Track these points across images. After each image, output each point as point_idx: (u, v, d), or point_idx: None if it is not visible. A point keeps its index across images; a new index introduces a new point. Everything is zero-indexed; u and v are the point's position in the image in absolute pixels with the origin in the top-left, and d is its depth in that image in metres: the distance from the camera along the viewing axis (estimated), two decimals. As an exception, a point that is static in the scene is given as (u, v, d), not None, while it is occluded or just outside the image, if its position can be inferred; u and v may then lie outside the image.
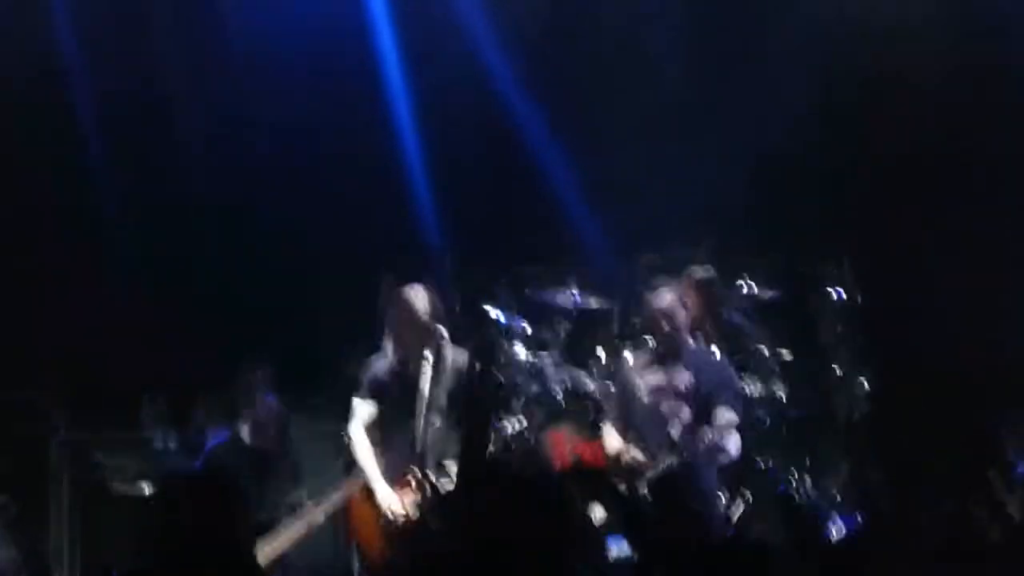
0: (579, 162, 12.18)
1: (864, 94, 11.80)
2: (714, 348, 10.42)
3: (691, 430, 9.26)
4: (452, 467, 9.07)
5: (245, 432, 9.91)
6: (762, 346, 10.66)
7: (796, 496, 10.46)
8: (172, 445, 10.75)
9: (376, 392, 9.26)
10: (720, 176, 11.63)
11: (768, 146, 11.69)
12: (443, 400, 9.12)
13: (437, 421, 9.08)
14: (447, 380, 9.14)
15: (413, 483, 9.02)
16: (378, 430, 9.28)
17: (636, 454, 9.27)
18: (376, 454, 9.22)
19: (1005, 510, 9.55)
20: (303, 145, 12.19)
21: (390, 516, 9.03)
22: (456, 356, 9.24)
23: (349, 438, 9.32)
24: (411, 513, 8.99)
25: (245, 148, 12.18)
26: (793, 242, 11.49)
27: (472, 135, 12.09)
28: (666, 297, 9.48)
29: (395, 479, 9.10)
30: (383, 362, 9.29)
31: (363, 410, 9.28)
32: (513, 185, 12.19)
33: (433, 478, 8.98)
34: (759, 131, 11.71)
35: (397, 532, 9.00)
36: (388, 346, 9.27)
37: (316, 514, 9.32)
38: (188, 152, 12.29)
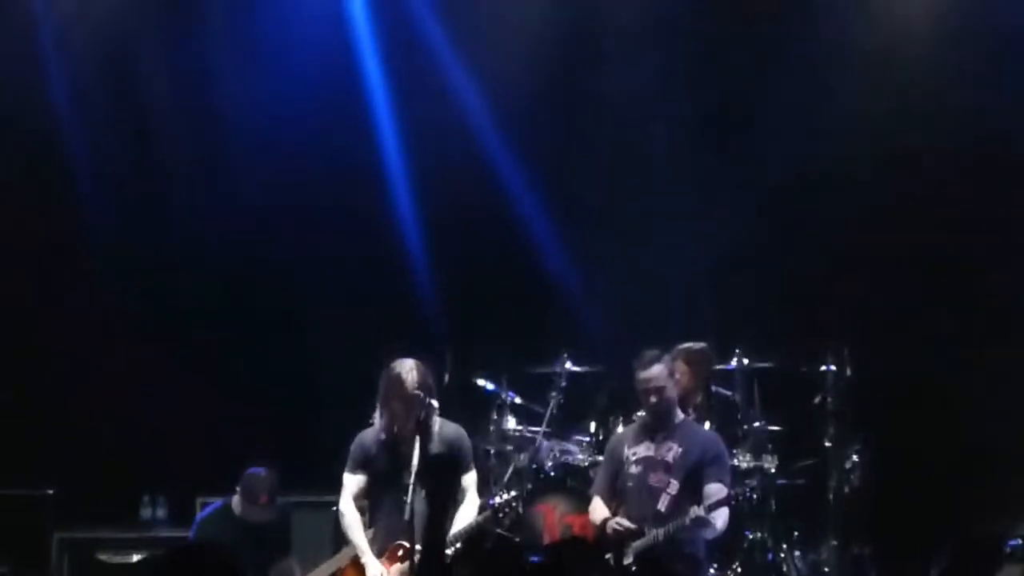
0: (574, 241, 12.25)
1: (861, 173, 11.86)
2: (706, 421, 10.48)
3: (679, 503, 9.28)
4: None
5: (236, 503, 9.93)
6: (753, 419, 10.70)
7: (785, 568, 10.46)
8: (162, 514, 10.77)
9: (365, 464, 9.28)
10: (717, 254, 11.71)
11: (765, 224, 11.76)
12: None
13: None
14: (437, 450, 9.18)
15: (401, 554, 9.04)
16: (367, 502, 9.31)
17: (625, 525, 9.29)
18: (365, 526, 9.26)
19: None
20: (299, 222, 12.26)
21: None
22: (445, 428, 9.28)
23: (339, 512, 9.35)
24: (400, 584, 9.02)
25: (239, 225, 12.22)
26: (788, 318, 11.57)
27: (470, 212, 12.12)
28: (655, 369, 9.49)
29: (384, 551, 9.12)
30: (372, 434, 9.32)
31: (352, 483, 9.30)
32: (510, 262, 12.24)
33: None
34: (755, 209, 11.77)
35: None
36: (378, 419, 9.31)
37: None
38: (184, 236, 12.33)
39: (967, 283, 11.56)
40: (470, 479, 9.33)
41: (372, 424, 9.31)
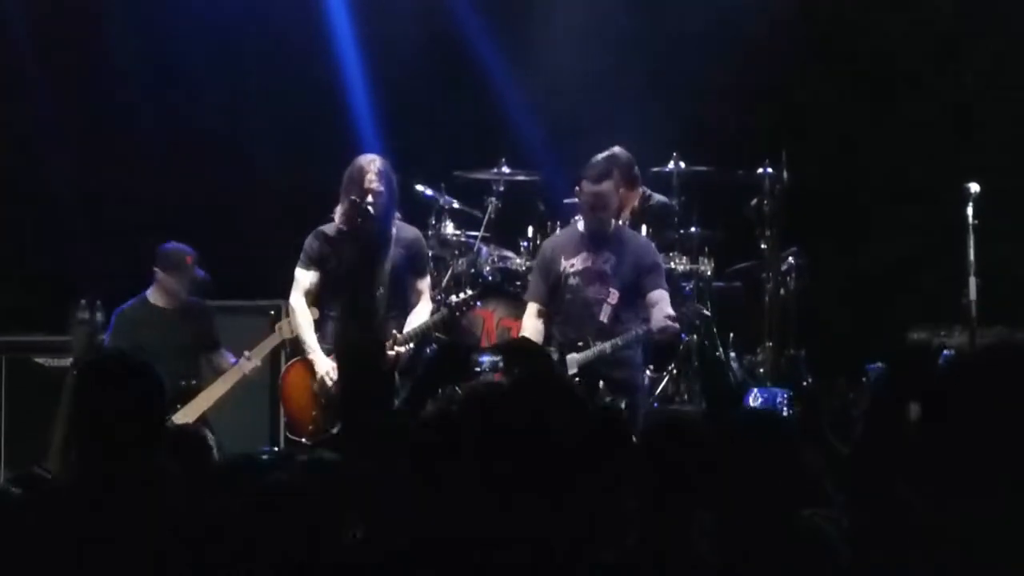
0: (511, 46, 12.12)
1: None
2: (641, 226, 10.46)
3: (619, 313, 9.25)
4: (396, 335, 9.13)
5: (151, 292, 9.85)
6: (690, 223, 10.71)
7: (721, 370, 10.54)
8: (99, 318, 10.70)
9: (320, 260, 9.24)
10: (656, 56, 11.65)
11: (702, 24, 11.66)
12: (388, 269, 9.14)
13: (382, 290, 9.12)
14: (394, 251, 9.18)
15: (353, 351, 9.09)
16: (319, 299, 9.29)
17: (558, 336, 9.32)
18: (316, 323, 9.24)
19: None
20: (236, 47, 12.12)
21: (327, 383, 9.08)
22: (403, 231, 9.27)
23: (290, 308, 9.34)
24: (347, 381, 9.05)
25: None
26: (726, 121, 11.56)
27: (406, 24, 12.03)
28: (606, 186, 9.26)
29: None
30: (330, 229, 9.28)
31: (304, 279, 9.24)
32: (446, 72, 12.14)
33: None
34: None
35: (331, 399, 9.05)
36: (339, 213, 9.26)
37: (237, 372, 9.46)
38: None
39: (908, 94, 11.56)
40: (425, 284, 9.36)
41: (332, 219, 9.27)
